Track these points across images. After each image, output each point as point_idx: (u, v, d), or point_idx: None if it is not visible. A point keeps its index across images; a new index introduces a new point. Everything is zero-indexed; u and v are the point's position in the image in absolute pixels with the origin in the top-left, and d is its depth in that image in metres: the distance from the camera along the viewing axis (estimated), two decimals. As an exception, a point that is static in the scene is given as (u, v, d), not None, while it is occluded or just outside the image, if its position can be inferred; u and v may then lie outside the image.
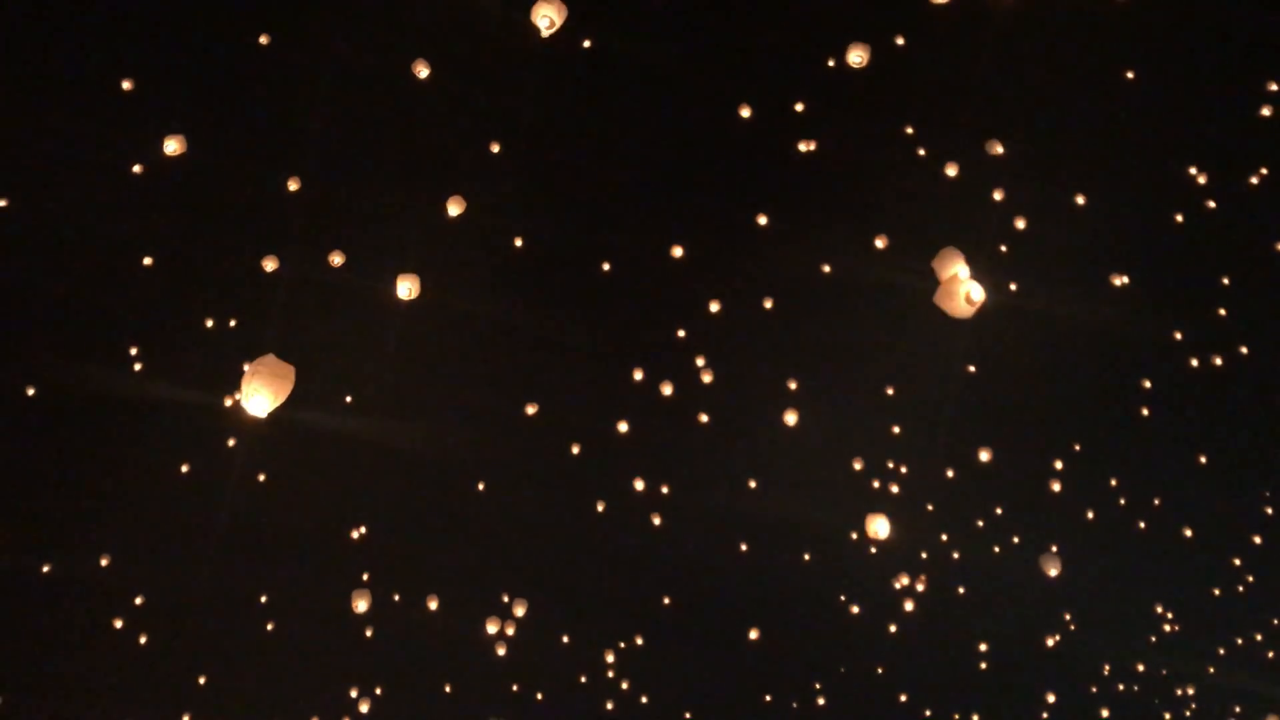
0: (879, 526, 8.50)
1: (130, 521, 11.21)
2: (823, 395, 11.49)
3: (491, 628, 11.21)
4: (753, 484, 11.95)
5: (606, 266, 11.01)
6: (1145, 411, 11.71)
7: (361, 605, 10.27)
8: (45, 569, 10.96)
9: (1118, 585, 13.17)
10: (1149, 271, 11.01)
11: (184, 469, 10.90)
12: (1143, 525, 12.51)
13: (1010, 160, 10.21)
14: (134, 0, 10.49)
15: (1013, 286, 10.58)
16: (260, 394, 5.28)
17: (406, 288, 9.12)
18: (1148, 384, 11.50)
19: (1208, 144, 10.84)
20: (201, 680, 11.61)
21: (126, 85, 10.11)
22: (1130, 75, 10.61)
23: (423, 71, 9.56)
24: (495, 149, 10.76)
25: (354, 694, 11.97)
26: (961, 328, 11.05)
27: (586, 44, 10.86)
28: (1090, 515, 12.36)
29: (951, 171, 9.88)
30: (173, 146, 8.92)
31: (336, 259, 10.38)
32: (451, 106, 11.03)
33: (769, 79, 11.12)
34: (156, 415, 11.28)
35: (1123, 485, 12.30)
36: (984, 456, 11.34)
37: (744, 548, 12.48)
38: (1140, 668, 14.50)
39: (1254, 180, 10.87)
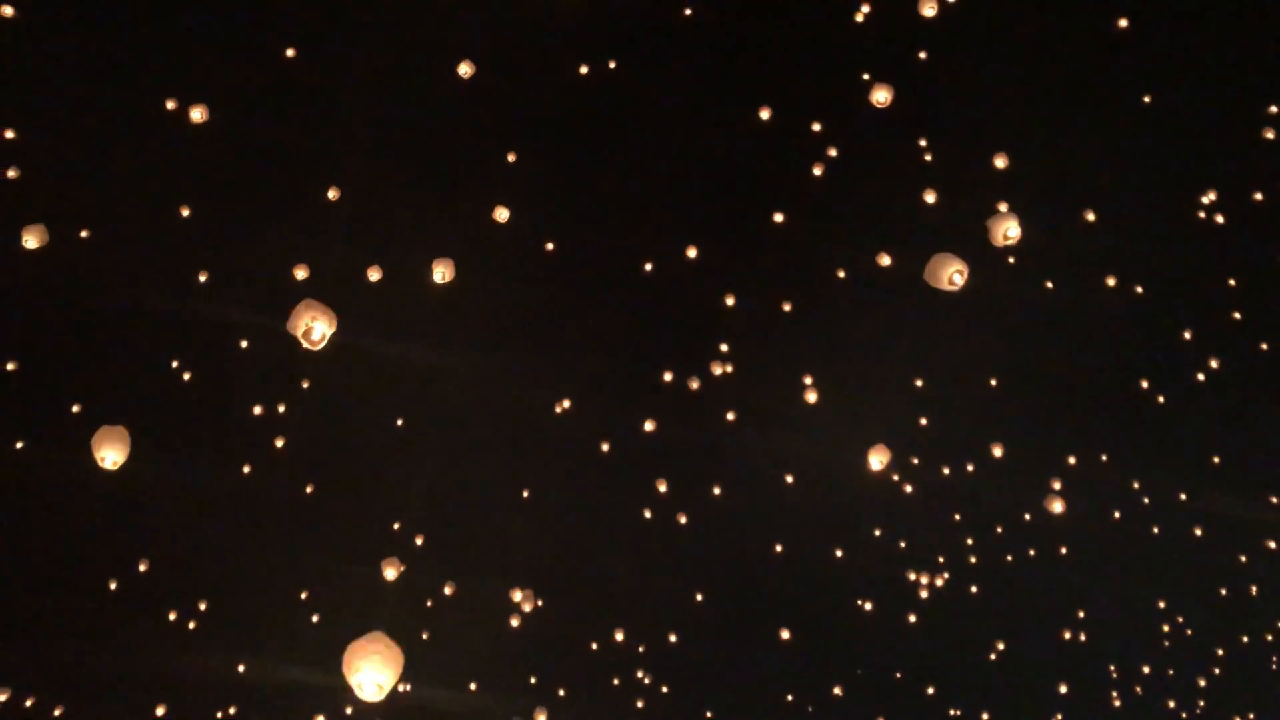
0: (875, 460, 8.77)
1: (176, 523, 11.49)
2: (846, 392, 11.81)
3: (516, 595, 11.39)
4: (789, 479, 12.19)
5: (649, 267, 11.28)
6: (1160, 413, 12.08)
7: (390, 574, 10.37)
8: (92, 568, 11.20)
9: (1130, 584, 13.47)
10: (1166, 277, 11.44)
11: (245, 470, 11.16)
12: (1157, 530, 12.81)
13: (1031, 172, 10.69)
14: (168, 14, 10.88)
15: (1049, 284, 10.93)
16: (318, 323, 5.44)
17: (441, 272, 9.32)
18: (1164, 385, 11.85)
19: (1217, 164, 11.38)
20: (241, 669, 11.85)
21: (171, 105, 10.46)
22: (1147, 99, 11.15)
23: (464, 69, 9.83)
24: (512, 158, 11.17)
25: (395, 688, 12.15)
26: (983, 327, 11.50)
27: (612, 65, 11.25)
28: (1117, 515, 12.68)
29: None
30: (197, 115, 9.07)
31: (374, 274, 10.58)
32: (479, 111, 11.35)
33: (788, 82, 11.49)
34: (197, 427, 11.59)
35: (1142, 486, 12.61)
36: (997, 453, 11.68)
37: (779, 548, 12.70)
38: (1146, 669, 14.79)
39: (1259, 197, 11.39)
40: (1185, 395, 12.06)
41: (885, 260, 10.82)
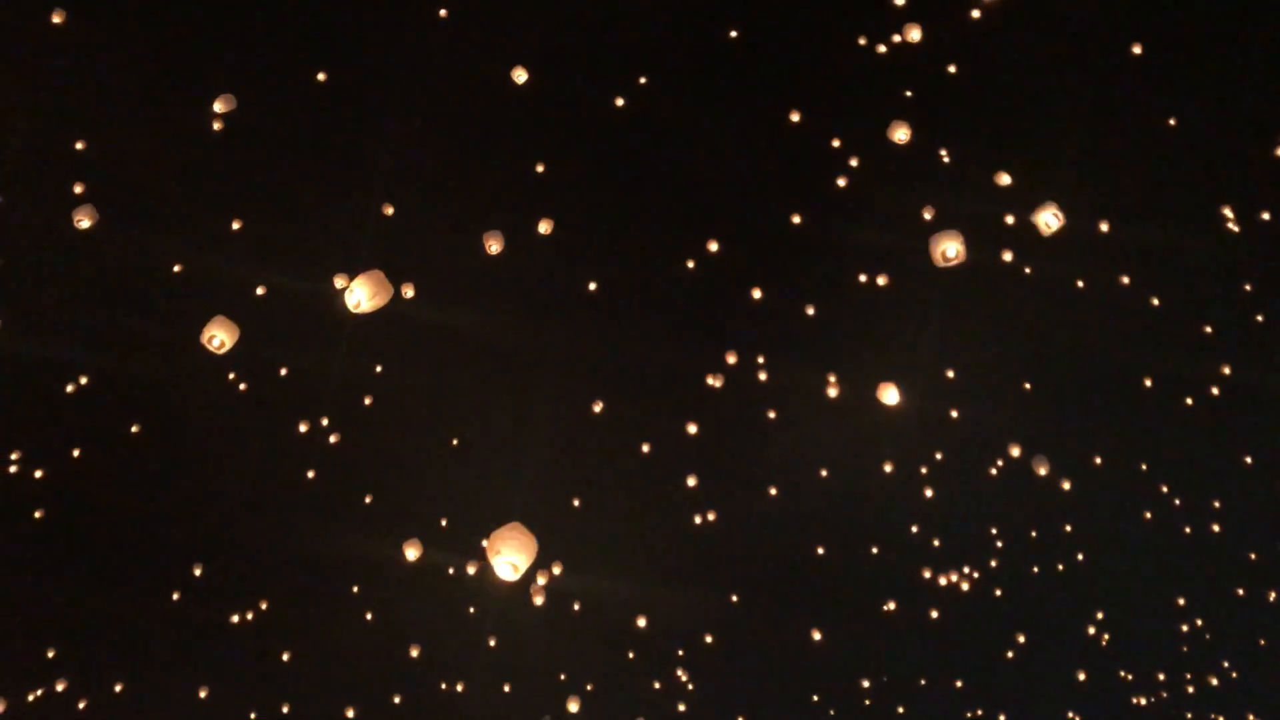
0: (889, 395, 9.05)
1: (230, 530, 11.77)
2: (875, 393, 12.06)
3: (540, 579, 11.57)
4: (824, 473, 12.44)
5: (691, 264, 11.56)
6: (1190, 412, 12.39)
7: (411, 554, 10.37)
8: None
9: (1153, 583, 13.71)
10: (1193, 282, 11.83)
11: (311, 476, 11.49)
12: (1189, 530, 13.06)
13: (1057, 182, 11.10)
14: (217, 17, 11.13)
15: (1080, 284, 11.28)
16: (358, 289, 5.92)
17: (494, 245, 9.46)
18: (1193, 386, 12.18)
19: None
20: (286, 656, 12.06)
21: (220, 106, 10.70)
22: (1173, 122, 11.59)
23: (520, 75, 10.13)
24: (541, 168, 11.50)
25: (434, 685, 12.41)
26: (1014, 322, 11.84)
27: (643, 80, 11.59)
28: (1148, 515, 12.95)
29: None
30: (219, 106, 9.25)
31: (409, 291, 10.78)
32: (525, 115, 11.63)
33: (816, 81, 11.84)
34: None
35: (1172, 489, 12.89)
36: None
37: (821, 551, 12.92)
38: (1161, 676, 14.98)
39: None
40: (1214, 396, 12.35)
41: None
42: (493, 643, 13.00)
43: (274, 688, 12.38)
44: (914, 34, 9.77)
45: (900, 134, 9.40)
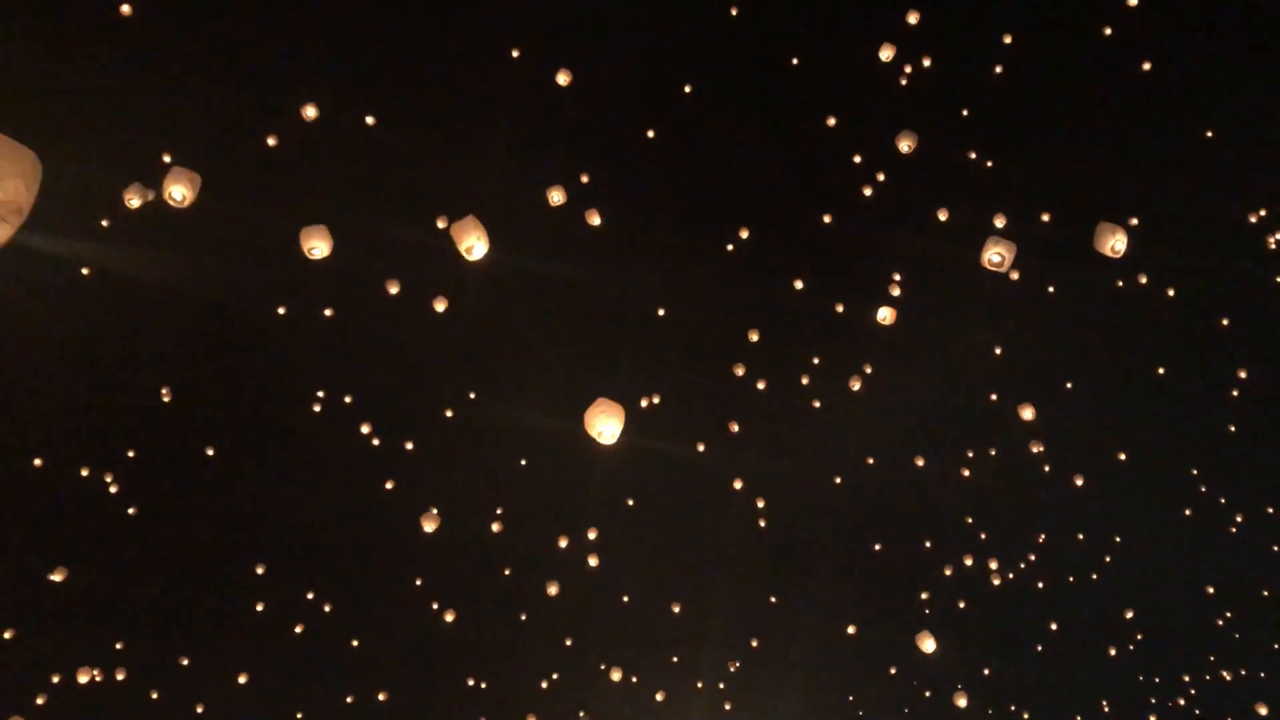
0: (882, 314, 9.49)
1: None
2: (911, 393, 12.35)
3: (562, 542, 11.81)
4: (870, 461, 12.65)
5: (730, 247, 11.73)
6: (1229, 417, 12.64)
7: (429, 527, 10.65)
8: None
9: (1186, 580, 13.94)
10: (1228, 287, 12.08)
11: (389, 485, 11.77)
12: (1233, 530, 13.27)
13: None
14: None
15: (1142, 279, 11.54)
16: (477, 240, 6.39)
17: (556, 195, 9.69)
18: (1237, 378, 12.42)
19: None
20: (353, 642, 12.32)
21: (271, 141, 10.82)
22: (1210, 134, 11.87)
23: (562, 78, 10.36)
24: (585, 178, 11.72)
25: (473, 677, 12.68)
26: (1056, 322, 12.09)
27: (687, 89, 11.81)
28: (1188, 513, 13.16)
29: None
30: (311, 113, 9.53)
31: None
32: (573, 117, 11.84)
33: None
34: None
35: (1212, 488, 13.13)
36: (1028, 417, 11.98)
37: (877, 547, 13.10)
38: (1186, 678, 15.16)
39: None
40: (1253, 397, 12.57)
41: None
42: (539, 636, 13.26)
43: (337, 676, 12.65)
44: (885, 53, 10.01)
45: (905, 144, 9.74)
